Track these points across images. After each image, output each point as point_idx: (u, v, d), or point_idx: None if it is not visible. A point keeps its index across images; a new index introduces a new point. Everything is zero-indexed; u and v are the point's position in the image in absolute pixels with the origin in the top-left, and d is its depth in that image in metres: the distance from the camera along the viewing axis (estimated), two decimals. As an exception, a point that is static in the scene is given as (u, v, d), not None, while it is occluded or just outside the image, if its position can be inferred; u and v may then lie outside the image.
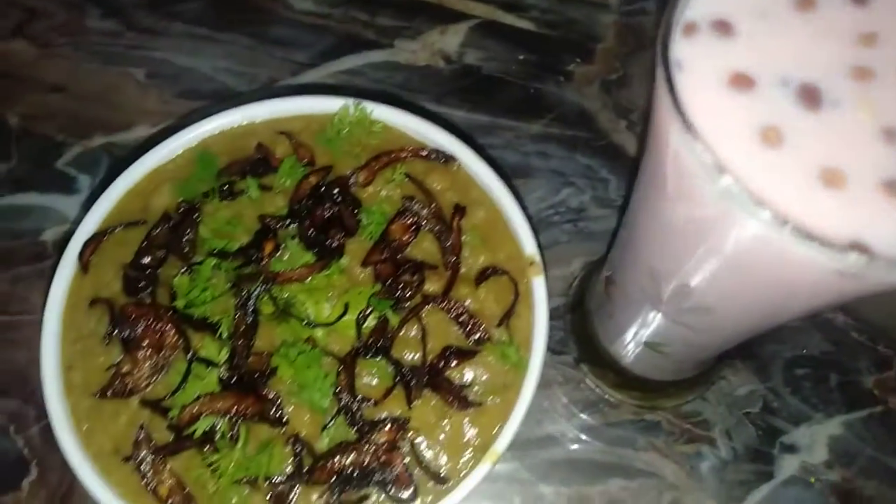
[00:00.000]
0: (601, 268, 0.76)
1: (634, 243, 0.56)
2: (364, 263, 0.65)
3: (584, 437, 0.79)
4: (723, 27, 0.43)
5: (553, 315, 0.84)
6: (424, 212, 0.68)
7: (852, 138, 0.39)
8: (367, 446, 0.59)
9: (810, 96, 0.40)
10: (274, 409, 0.60)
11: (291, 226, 0.67)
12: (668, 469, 0.77)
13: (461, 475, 0.60)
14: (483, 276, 0.66)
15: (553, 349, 0.83)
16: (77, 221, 0.69)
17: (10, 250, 0.88)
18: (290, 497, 0.58)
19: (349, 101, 0.73)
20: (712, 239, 0.43)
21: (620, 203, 0.91)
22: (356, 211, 0.68)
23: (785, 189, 0.38)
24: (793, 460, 0.78)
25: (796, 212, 0.37)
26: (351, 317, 0.63)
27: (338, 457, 0.58)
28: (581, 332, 0.81)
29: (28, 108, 0.97)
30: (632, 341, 0.69)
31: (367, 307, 0.63)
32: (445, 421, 0.61)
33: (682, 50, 0.42)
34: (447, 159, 0.72)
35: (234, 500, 0.58)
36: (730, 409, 0.80)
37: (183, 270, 0.65)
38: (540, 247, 0.67)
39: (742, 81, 0.41)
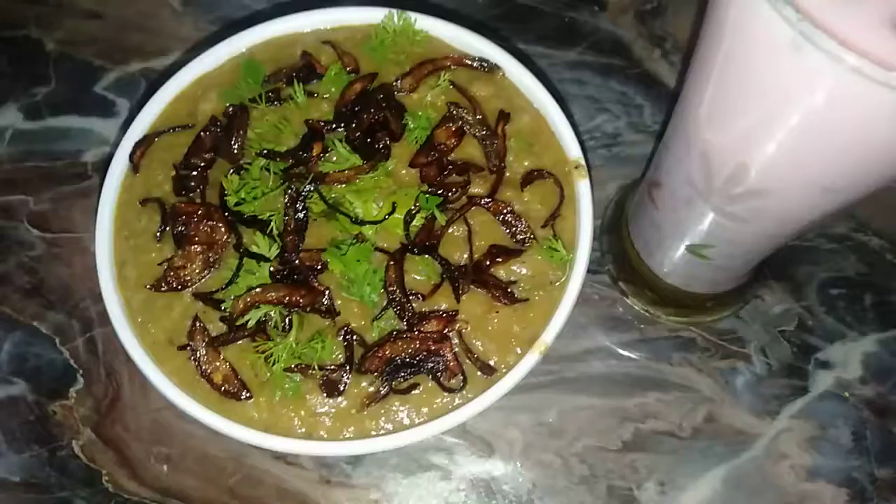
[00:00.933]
0: (638, 187, 0.77)
1: (684, 124, 0.57)
2: (411, 165, 0.66)
3: (620, 351, 0.79)
4: None
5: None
6: (469, 118, 0.68)
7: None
8: (417, 335, 0.59)
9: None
10: (326, 301, 0.61)
11: (338, 130, 0.68)
12: (703, 383, 0.78)
13: (510, 365, 0.61)
14: (528, 178, 0.67)
15: (589, 269, 0.83)
16: (117, 143, 0.70)
17: (50, 171, 0.89)
18: (342, 385, 0.59)
19: (393, 11, 0.73)
20: (784, 100, 0.43)
21: (656, 129, 0.91)
22: (402, 116, 0.69)
23: (860, 34, 0.38)
24: (827, 376, 0.78)
25: (877, 56, 0.37)
26: (399, 216, 0.64)
27: (388, 345, 0.59)
28: (618, 252, 0.81)
29: (65, 33, 0.97)
30: (674, 248, 0.70)
31: (415, 206, 0.64)
32: (493, 314, 0.62)
33: None
34: (491, 68, 0.72)
35: (286, 386, 0.59)
36: (765, 327, 0.81)
37: (232, 171, 0.66)
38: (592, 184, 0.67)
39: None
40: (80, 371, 0.79)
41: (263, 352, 0.60)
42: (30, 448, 0.76)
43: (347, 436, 0.59)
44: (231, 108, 0.69)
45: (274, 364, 0.59)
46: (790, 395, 0.78)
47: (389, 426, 0.59)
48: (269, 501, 0.74)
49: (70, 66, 0.95)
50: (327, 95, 0.70)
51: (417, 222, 0.64)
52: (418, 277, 0.63)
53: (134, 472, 0.75)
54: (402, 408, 0.60)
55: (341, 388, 0.59)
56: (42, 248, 0.85)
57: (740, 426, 0.76)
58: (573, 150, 0.68)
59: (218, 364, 0.60)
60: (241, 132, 0.67)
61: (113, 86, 0.94)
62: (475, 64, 0.72)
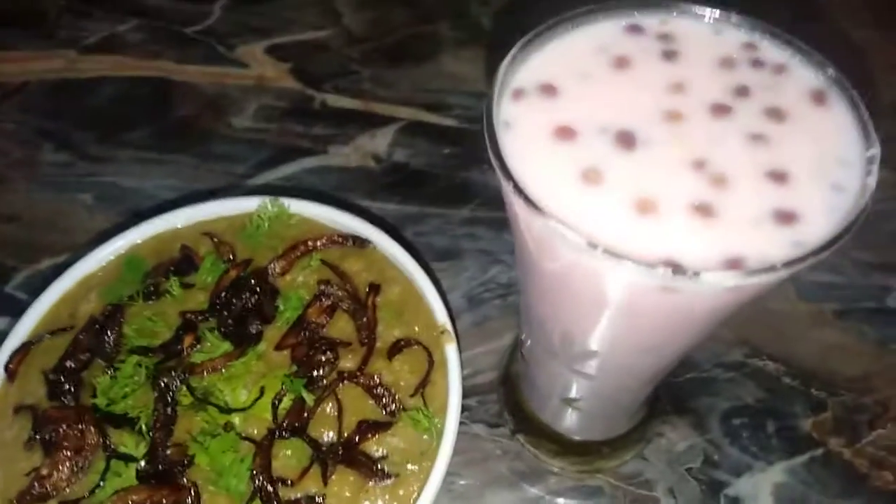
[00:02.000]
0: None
1: (526, 298, 0.59)
2: (278, 347, 0.68)
3: (527, 509, 0.78)
4: (548, 89, 0.48)
5: (488, 389, 0.86)
6: (340, 293, 0.71)
7: (664, 171, 0.44)
8: (281, 528, 0.58)
9: (626, 139, 0.45)
10: (191, 499, 0.61)
11: (211, 319, 0.70)
12: (614, 534, 0.76)
13: (380, 550, 0.59)
14: (396, 348, 0.68)
15: (489, 422, 0.83)
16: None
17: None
18: (207, 589, 0.57)
19: (266, 199, 0.78)
20: (558, 275, 0.46)
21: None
22: (275, 299, 0.71)
23: (607, 221, 0.42)
24: (739, 513, 0.76)
25: (616, 239, 0.41)
26: (267, 400, 0.65)
27: (253, 541, 0.58)
28: (513, 403, 0.82)
29: (-19, 239, 1.02)
30: (552, 401, 0.70)
31: (282, 389, 0.65)
32: (363, 494, 0.61)
33: (511, 111, 0.47)
34: (362, 243, 0.76)
35: None
36: (671, 466, 0.79)
37: (105, 370, 0.67)
38: (468, 327, 0.69)
39: (565, 133, 0.46)
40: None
41: (124, 561, 0.58)
42: None
43: None
44: (108, 308, 0.71)
45: (134, 575, 0.57)
46: (703, 538, 0.75)
47: None
48: None
49: (-17, 270, 0.99)
50: (203, 287, 0.73)
51: (286, 404, 0.65)
52: (288, 462, 0.63)
53: None
54: None
55: None
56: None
57: (656, 579, 0.73)
58: (440, 315, 0.70)
59: (79, 580, 0.58)
60: (116, 330, 0.69)
61: (23, 284, 0.97)
62: (346, 241, 0.76)
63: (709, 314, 0.45)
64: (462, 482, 0.79)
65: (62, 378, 0.67)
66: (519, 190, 0.41)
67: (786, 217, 0.41)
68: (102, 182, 1.07)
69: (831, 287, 0.92)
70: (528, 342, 0.66)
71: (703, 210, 0.41)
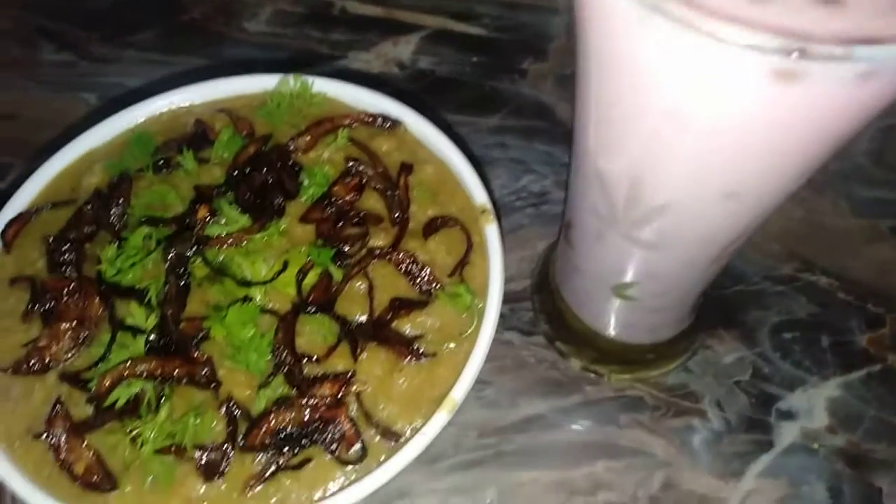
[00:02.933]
0: (557, 245, 0.72)
1: (581, 156, 0.53)
2: (302, 219, 0.61)
3: (562, 417, 0.72)
4: None
5: (521, 297, 0.80)
6: (369, 171, 0.65)
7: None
8: (308, 401, 0.52)
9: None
10: (205, 372, 0.55)
11: (229, 193, 0.64)
12: (656, 446, 0.70)
13: (416, 429, 0.53)
14: (432, 227, 0.62)
15: (522, 330, 0.77)
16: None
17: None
18: (223, 465, 0.51)
19: (289, 76, 0.71)
20: (641, 83, 0.40)
21: (583, 184, 0.88)
22: (297, 175, 0.65)
23: (713, 3, 0.35)
24: (792, 427, 0.71)
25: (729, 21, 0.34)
26: (290, 273, 0.59)
27: (274, 415, 0.52)
28: (551, 310, 0.76)
29: (-25, 135, 0.95)
30: (601, 293, 0.64)
31: (308, 262, 0.59)
32: (396, 374, 0.55)
33: None
34: (393, 124, 0.69)
35: (157, 472, 0.51)
36: (717, 379, 0.74)
37: (111, 242, 0.61)
38: (501, 229, 0.63)
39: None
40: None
41: (131, 432, 0.52)
42: None
43: (228, 525, 0.50)
44: (114, 179, 0.65)
45: (142, 446, 0.51)
46: (754, 451, 0.70)
47: (279, 511, 0.51)
48: None
49: (-23, 166, 0.92)
50: (219, 161, 0.67)
51: (311, 279, 0.59)
52: (314, 340, 0.57)
53: None
54: (293, 486, 0.51)
55: (221, 470, 0.51)
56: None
57: (703, 491, 0.68)
58: (479, 195, 0.64)
59: (80, 452, 0.52)
60: (123, 201, 0.63)
61: (17, 181, 0.90)
62: (375, 120, 0.69)
63: (813, 130, 0.38)
64: (493, 390, 0.73)
65: (63, 248, 0.61)
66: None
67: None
68: (106, 82, 1.00)
69: (886, 203, 0.86)
70: (579, 222, 0.60)
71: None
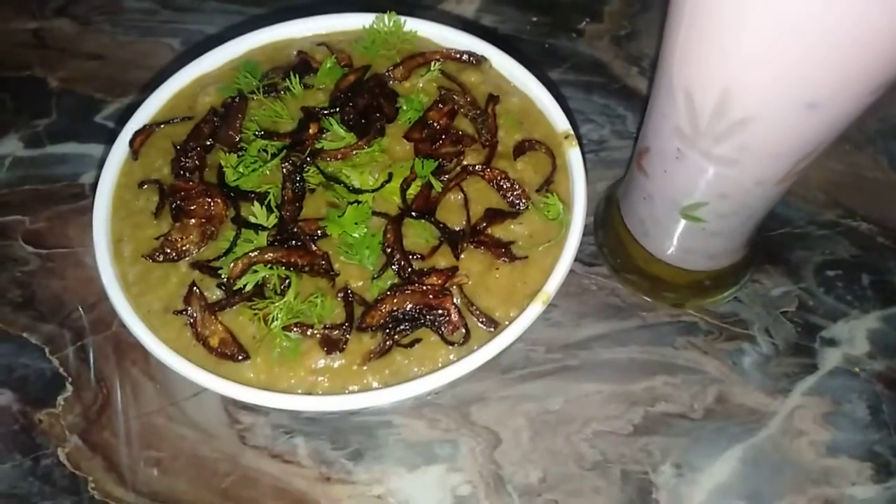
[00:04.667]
0: (627, 172, 0.78)
1: (666, 74, 0.59)
2: (405, 137, 0.68)
3: (623, 338, 0.78)
4: None
5: (585, 232, 0.86)
6: (460, 100, 0.71)
7: None
8: (418, 288, 0.59)
9: None
10: (324, 263, 0.61)
11: (334, 114, 0.70)
12: (710, 365, 0.76)
13: (513, 318, 0.60)
14: (520, 149, 0.69)
15: (585, 261, 0.84)
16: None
17: (48, 193, 0.90)
18: (343, 342, 0.58)
19: (383, 14, 0.77)
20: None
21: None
22: (395, 101, 0.71)
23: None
24: (835, 352, 0.77)
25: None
26: (395, 184, 0.65)
27: (389, 299, 0.58)
28: (613, 243, 0.82)
29: (68, 72, 1.01)
30: (668, 218, 0.70)
31: (411, 173, 0.65)
32: (493, 271, 0.62)
33: None
34: (479, 60, 0.75)
35: (285, 345, 0.58)
36: (766, 309, 0.80)
37: (229, 152, 0.67)
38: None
39: None
40: (70, 379, 0.76)
41: (258, 312, 0.58)
42: (12, 458, 0.72)
43: (349, 391, 0.57)
44: (230, 99, 0.71)
45: (272, 323, 0.58)
46: (800, 372, 0.76)
47: (393, 381, 0.57)
48: (264, 502, 0.69)
49: (71, 100, 0.99)
50: (322, 87, 0.73)
51: (414, 190, 0.65)
52: (417, 241, 0.63)
53: (122, 478, 0.71)
54: (404, 361, 0.58)
55: (342, 346, 0.58)
56: (36, 264, 0.84)
57: (753, 405, 0.74)
58: (561, 123, 0.70)
59: (214, 328, 0.59)
60: (240, 117, 0.69)
61: (113, 115, 0.97)
62: (463, 57, 0.75)
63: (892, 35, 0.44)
64: (559, 312, 0.80)
65: (187, 156, 0.67)
66: None
67: None
68: (188, 29, 1.06)
69: (924, 160, 0.92)
70: (657, 143, 0.66)
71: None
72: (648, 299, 0.80)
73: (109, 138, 0.93)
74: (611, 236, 0.82)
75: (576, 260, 0.83)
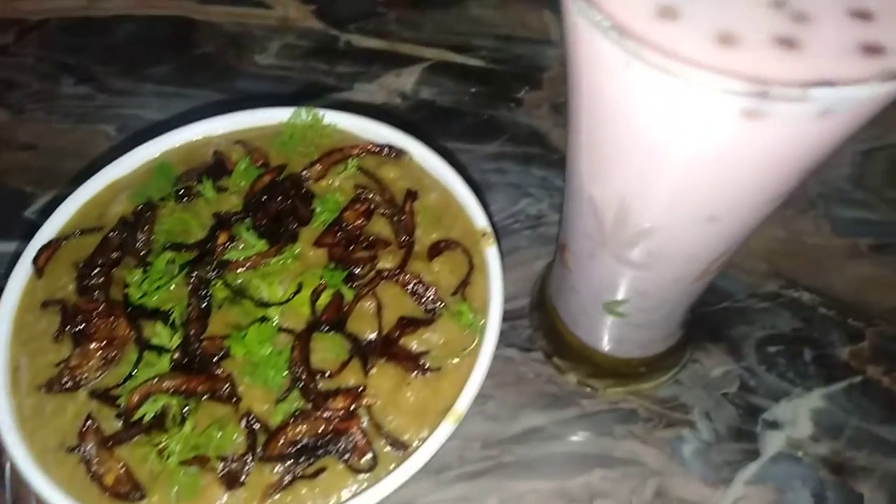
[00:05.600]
0: (553, 266, 0.77)
1: (573, 182, 0.58)
2: (316, 244, 0.66)
3: (560, 430, 0.76)
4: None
5: (519, 314, 0.84)
6: (377, 198, 0.69)
7: (743, 8, 0.42)
8: (322, 414, 0.56)
9: (700, -19, 0.43)
10: (226, 388, 0.59)
11: (246, 220, 0.68)
12: (649, 455, 0.74)
13: (423, 439, 0.57)
14: (436, 249, 0.67)
15: (522, 346, 0.81)
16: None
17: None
18: (244, 475, 0.55)
19: (301, 108, 0.76)
20: (626, 120, 0.44)
21: (578, 207, 0.92)
22: (310, 202, 0.70)
23: (683, 52, 0.40)
24: (778, 436, 0.75)
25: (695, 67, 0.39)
26: (305, 294, 0.63)
27: (291, 427, 0.56)
28: (548, 327, 0.80)
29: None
30: (592, 310, 0.68)
31: (321, 283, 0.63)
32: (404, 388, 0.60)
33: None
34: (398, 153, 0.74)
35: (182, 482, 0.55)
36: (707, 391, 0.78)
37: (136, 266, 0.65)
38: (500, 251, 0.67)
39: (637, -24, 0.44)
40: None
41: (157, 445, 0.56)
42: (-80, 592, 0.69)
43: (249, 531, 0.54)
44: (139, 207, 0.69)
45: (168, 458, 0.55)
46: (742, 459, 0.74)
47: (296, 516, 0.55)
48: None
49: (1, 194, 0.97)
50: (236, 190, 0.71)
51: (324, 300, 0.63)
52: (326, 357, 0.61)
53: None
54: (309, 494, 0.55)
55: (242, 479, 0.55)
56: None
57: (694, 498, 0.72)
58: (480, 220, 0.69)
59: (110, 464, 0.56)
60: (148, 228, 0.68)
61: (43, 209, 0.95)
62: (382, 150, 0.74)
63: (782, 161, 0.43)
64: (495, 404, 0.77)
65: (92, 273, 0.65)
66: (594, 8, 0.40)
67: (873, 49, 0.39)
68: (124, 114, 1.05)
69: (866, 223, 0.90)
70: (572, 244, 0.64)
71: (787, 42, 0.40)
72: (586, 387, 0.78)
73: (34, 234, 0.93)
74: (545, 321, 0.81)
75: (512, 346, 0.82)
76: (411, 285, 0.64)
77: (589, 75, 0.46)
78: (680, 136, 0.43)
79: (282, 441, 0.56)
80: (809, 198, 0.92)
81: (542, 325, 0.81)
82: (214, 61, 1.11)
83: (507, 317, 0.82)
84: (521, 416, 0.77)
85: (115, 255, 0.67)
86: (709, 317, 0.82)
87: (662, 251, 0.55)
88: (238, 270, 0.64)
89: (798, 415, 0.76)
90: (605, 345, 0.73)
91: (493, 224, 0.69)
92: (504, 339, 0.81)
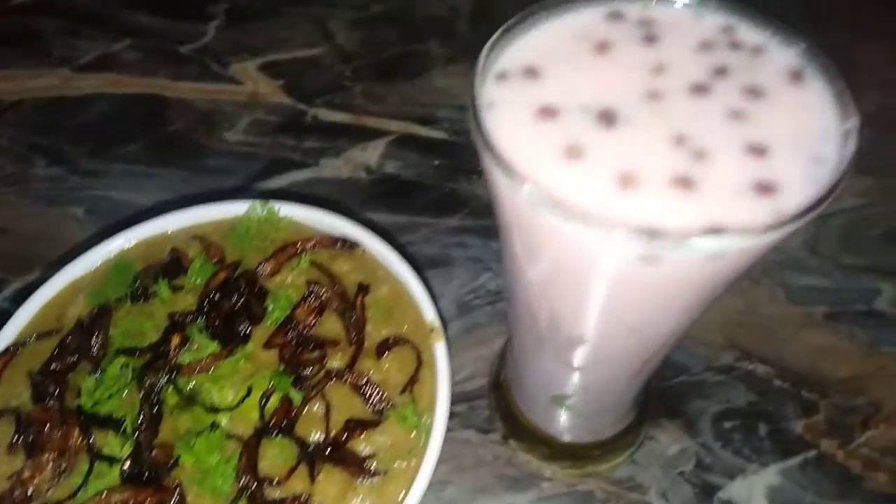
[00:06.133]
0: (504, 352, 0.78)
1: (512, 286, 0.59)
2: (266, 346, 0.67)
3: (519, 514, 0.76)
4: (531, 72, 0.49)
5: (478, 395, 0.85)
6: (328, 293, 0.71)
7: (645, 147, 0.44)
8: (268, 524, 0.57)
9: (607, 117, 0.45)
10: (175, 499, 0.59)
11: (200, 320, 0.70)
12: (607, 538, 0.75)
13: (368, 547, 0.58)
14: (385, 346, 0.68)
15: (480, 428, 0.82)
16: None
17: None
18: (190, 589, 0.56)
19: (256, 202, 0.78)
20: (541, 249, 0.46)
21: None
22: (264, 300, 0.71)
23: (588, 195, 0.42)
24: (734, 516, 0.75)
25: (597, 211, 0.41)
26: (254, 399, 0.64)
27: (238, 538, 0.57)
28: (504, 408, 0.81)
29: (-31, 254, 1.01)
30: (542, 401, 0.70)
31: (270, 387, 0.64)
32: (350, 493, 0.60)
33: (494, 93, 0.48)
34: (351, 245, 0.76)
35: None
36: (663, 470, 0.78)
37: (90, 372, 0.66)
38: (448, 345, 0.68)
39: (548, 113, 0.46)
40: None
41: (105, 562, 0.57)
42: None
43: None
44: (95, 310, 0.71)
45: (115, 575, 0.56)
46: (698, 541, 0.74)
47: None
48: None
49: (-28, 283, 0.98)
50: (192, 289, 0.73)
51: (273, 403, 0.64)
52: (275, 461, 0.62)
53: None
54: None
55: None
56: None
57: (651, 582, 0.72)
58: (429, 314, 0.70)
59: (58, 582, 0.57)
60: (103, 332, 0.69)
61: (13, 296, 0.97)
62: (336, 243, 0.76)
63: (690, 290, 0.45)
64: (453, 489, 0.78)
65: (47, 380, 0.66)
66: (498, 160, 0.42)
67: (766, 188, 0.41)
68: (93, 195, 1.07)
69: (820, 290, 0.92)
70: (517, 338, 0.66)
71: (684, 183, 0.42)
72: (543, 469, 0.78)
73: (5, 323, 0.94)
74: (502, 402, 0.81)
75: (470, 427, 0.83)
76: (359, 385, 0.65)
77: (508, 211, 0.47)
78: (589, 269, 0.44)
79: (227, 554, 0.57)
80: (765, 265, 0.94)
81: (499, 406, 0.82)
82: (184, 139, 1.14)
83: (466, 397, 0.84)
84: (479, 500, 0.77)
85: (70, 359, 0.68)
86: (665, 391, 0.83)
87: (596, 356, 0.56)
88: (190, 374, 0.66)
89: (753, 493, 0.77)
90: (558, 431, 0.74)
91: (442, 319, 0.71)
92: (462, 422, 0.82)
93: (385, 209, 1.03)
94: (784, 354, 0.86)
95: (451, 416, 0.68)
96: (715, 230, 0.39)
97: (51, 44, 1.29)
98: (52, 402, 0.66)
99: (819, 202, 0.39)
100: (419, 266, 0.95)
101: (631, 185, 0.42)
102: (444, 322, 0.73)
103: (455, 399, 0.81)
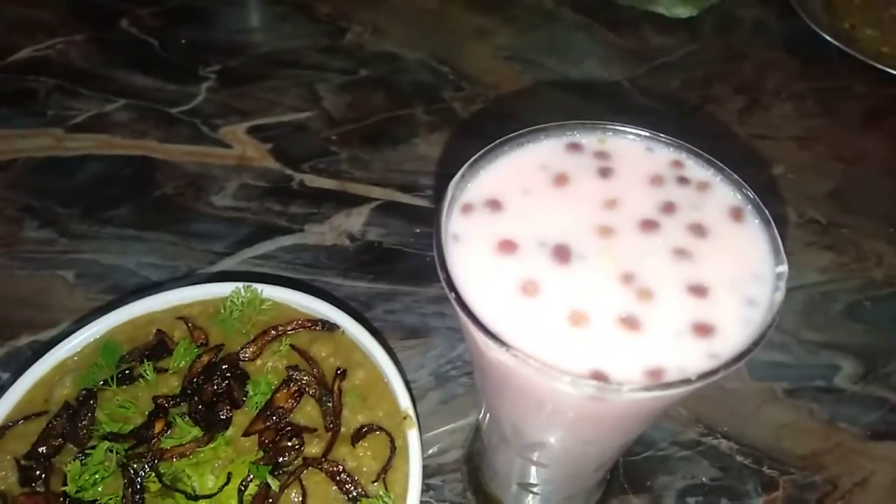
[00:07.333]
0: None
1: (478, 388, 0.63)
2: (245, 433, 0.70)
3: (489, 591, 0.79)
4: (494, 204, 0.53)
5: (454, 468, 0.88)
6: (307, 379, 0.74)
7: (596, 284, 0.48)
8: None
9: (562, 253, 0.49)
10: (155, 587, 0.62)
11: (183, 404, 0.73)
12: None
13: None
14: (359, 434, 0.71)
15: (454, 502, 0.85)
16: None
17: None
18: None
19: (240, 285, 0.81)
20: (501, 376, 0.50)
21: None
22: (244, 384, 0.74)
23: (542, 332, 0.46)
24: None
25: (550, 350, 0.45)
26: (233, 486, 0.67)
27: None
28: (477, 483, 0.84)
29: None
30: (511, 485, 0.73)
31: (249, 475, 0.67)
32: (323, 582, 0.63)
33: (460, 225, 0.52)
34: (331, 327, 0.79)
35: None
36: (629, 546, 0.82)
37: (76, 457, 0.69)
38: (420, 432, 0.71)
39: (508, 246, 0.50)
40: None
41: None
42: None
43: None
44: (82, 394, 0.73)
45: None
46: None
47: None
48: None
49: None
50: (175, 371, 0.76)
51: (252, 490, 0.67)
52: (252, 549, 0.65)
53: None
54: None
55: None
56: None
57: None
58: (403, 401, 0.73)
59: None
60: (89, 416, 0.72)
61: (2, 362, 0.99)
62: (316, 326, 0.79)
63: (636, 417, 0.49)
64: (426, 563, 0.81)
65: (34, 464, 0.69)
66: (461, 302, 0.45)
67: (704, 329, 0.45)
68: (83, 259, 1.10)
69: (782, 366, 0.96)
70: (485, 432, 0.69)
71: (629, 322, 0.46)
72: (514, 546, 0.81)
73: (-4, 388, 0.96)
74: (474, 477, 0.84)
75: (444, 501, 0.86)
76: (334, 473, 0.68)
77: (466, 333, 0.51)
78: (545, 399, 0.48)
79: None
80: (730, 340, 0.98)
81: (471, 480, 0.85)
82: (173, 203, 1.17)
83: (442, 471, 0.87)
84: (453, 575, 0.80)
85: (57, 442, 0.71)
86: (633, 465, 0.87)
87: (556, 458, 0.60)
88: (172, 459, 0.68)
89: (712, 573, 0.80)
90: (528, 511, 0.77)
91: (414, 405, 0.74)
92: (437, 495, 0.85)
93: (367, 277, 1.06)
94: (747, 430, 0.90)
95: (427, 489, 0.71)
96: (655, 373, 0.43)
97: (45, 103, 1.32)
98: (38, 485, 0.68)
99: (749, 350, 0.43)
100: (399, 337, 0.99)
101: (581, 323, 0.46)
102: (422, 395, 0.76)
103: (432, 472, 0.85)
